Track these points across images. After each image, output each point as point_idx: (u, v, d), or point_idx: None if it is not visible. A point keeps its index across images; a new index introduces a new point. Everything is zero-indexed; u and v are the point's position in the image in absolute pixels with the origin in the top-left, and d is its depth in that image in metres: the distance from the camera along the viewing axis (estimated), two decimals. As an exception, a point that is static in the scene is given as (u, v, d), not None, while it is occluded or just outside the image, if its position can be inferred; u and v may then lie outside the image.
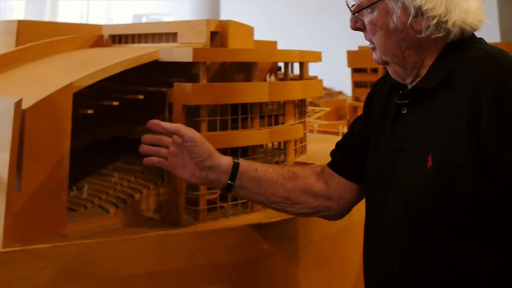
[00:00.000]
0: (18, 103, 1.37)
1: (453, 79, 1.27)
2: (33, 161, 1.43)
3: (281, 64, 2.06)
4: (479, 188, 1.19)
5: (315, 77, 3.01)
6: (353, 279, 1.95)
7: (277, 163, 1.92)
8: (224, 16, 10.59)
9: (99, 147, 1.97)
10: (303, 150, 2.12)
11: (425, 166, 1.25)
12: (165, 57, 1.71)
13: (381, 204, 1.37)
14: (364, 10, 1.33)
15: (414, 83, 1.36)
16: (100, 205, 1.71)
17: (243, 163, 1.50)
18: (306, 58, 1.96)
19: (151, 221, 1.66)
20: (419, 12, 1.27)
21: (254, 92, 1.71)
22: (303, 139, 2.07)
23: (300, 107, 2.06)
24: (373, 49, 1.37)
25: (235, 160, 1.49)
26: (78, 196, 1.76)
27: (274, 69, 2.05)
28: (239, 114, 1.72)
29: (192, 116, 1.64)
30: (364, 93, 3.27)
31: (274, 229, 1.65)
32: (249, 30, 1.91)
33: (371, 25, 1.33)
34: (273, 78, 1.87)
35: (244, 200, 1.73)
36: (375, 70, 4.27)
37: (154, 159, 1.49)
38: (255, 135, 1.73)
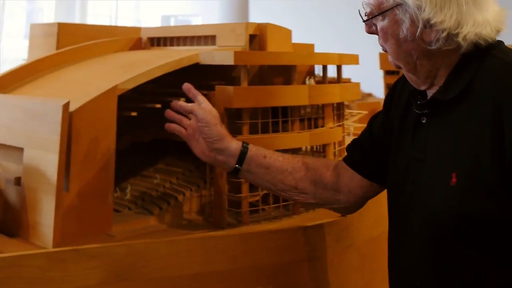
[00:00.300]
0: (66, 106, 1.40)
1: (472, 91, 1.24)
2: (80, 162, 1.46)
3: (317, 67, 2.07)
4: (506, 208, 1.17)
5: (348, 80, 3.00)
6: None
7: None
8: (253, 17, 10.60)
9: (140, 149, 2.00)
10: (341, 153, 2.12)
11: (448, 183, 1.22)
12: (205, 60, 1.73)
13: (404, 215, 1.36)
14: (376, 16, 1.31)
15: (431, 91, 1.33)
16: (143, 206, 1.74)
17: (252, 148, 1.52)
18: (344, 61, 1.97)
19: (194, 223, 1.68)
20: (428, 25, 1.24)
21: (295, 95, 1.72)
22: (341, 142, 2.07)
23: (338, 110, 2.06)
24: (386, 51, 1.35)
25: (244, 145, 1.51)
26: (122, 197, 1.79)
27: (311, 72, 2.05)
28: (280, 117, 1.73)
29: (233, 119, 1.66)
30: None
31: (317, 232, 1.65)
32: (287, 33, 1.92)
33: (382, 32, 1.31)
34: (312, 81, 1.88)
35: (286, 203, 1.75)
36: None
37: (174, 125, 1.54)
38: (295, 138, 1.74)
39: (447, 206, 1.22)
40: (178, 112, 1.54)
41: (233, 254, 1.52)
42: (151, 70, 1.63)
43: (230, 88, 1.62)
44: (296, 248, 1.62)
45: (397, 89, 1.48)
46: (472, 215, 1.19)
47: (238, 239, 1.55)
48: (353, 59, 2.05)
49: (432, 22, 1.23)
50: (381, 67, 4.40)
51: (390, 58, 1.36)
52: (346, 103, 2.49)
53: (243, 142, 1.52)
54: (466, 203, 1.20)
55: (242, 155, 1.50)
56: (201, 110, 1.49)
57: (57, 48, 2.04)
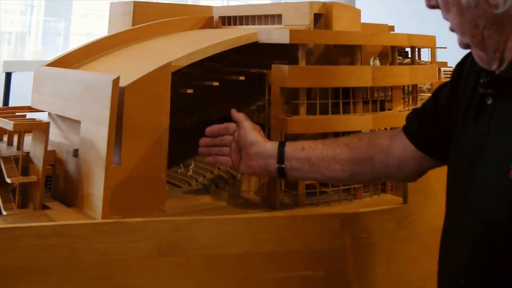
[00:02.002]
0: (116, 80, 1.42)
1: None
2: (132, 137, 1.48)
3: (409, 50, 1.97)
4: None
5: (444, 63, 2.84)
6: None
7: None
8: (359, 3, 10.34)
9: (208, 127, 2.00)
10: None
11: (506, 176, 1.06)
12: (263, 38, 1.71)
13: (458, 205, 1.23)
14: None
15: (501, 70, 1.15)
16: (203, 183, 1.75)
17: (289, 143, 1.50)
18: (414, 42, 1.86)
19: (250, 202, 1.67)
20: None
21: (355, 76, 1.66)
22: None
23: (412, 93, 1.97)
24: (452, 30, 1.19)
25: (280, 143, 1.50)
26: (185, 173, 1.81)
27: (385, 54, 1.95)
28: (340, 98, 1.68)
29: (291, 99, 1.63)
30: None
31: (374, 218, 1.60)
32: (356, 12, 1.85)
33: (443, 1, 1.16)
34: (377, 62, 1.80)
35: (346, 187, 1.70)
36: None
37: (219, 158, 1.60)
38: (356, 120, 1.67)
39: (501, 204, 1.07)
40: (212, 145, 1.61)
41: (282, 236, 1.50)
42: (207, 48, 1.62)
43: (285, 67, 1.58)
44: (351, 233, 1.57)
45: (468, 61, 1.30)
46: None
47: (289, 221, 1.53)
48: (428, 41, 1.94)
49: None
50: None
51: (457, 38, 1.20)
52: (428, 86, 2.37)
53: (279, 142, 1.52)
54: None
55: (281, 153, 1.49)
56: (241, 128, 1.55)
57: (133, 26, 2.07)
